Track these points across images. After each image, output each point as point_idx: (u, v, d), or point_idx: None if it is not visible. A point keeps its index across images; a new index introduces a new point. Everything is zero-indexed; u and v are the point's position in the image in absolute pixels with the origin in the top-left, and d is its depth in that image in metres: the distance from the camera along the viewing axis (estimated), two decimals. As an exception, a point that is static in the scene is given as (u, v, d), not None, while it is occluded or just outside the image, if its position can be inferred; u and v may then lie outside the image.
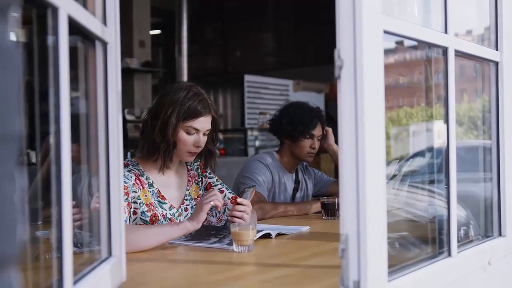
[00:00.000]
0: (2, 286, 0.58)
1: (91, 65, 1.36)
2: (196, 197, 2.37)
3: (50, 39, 1.02)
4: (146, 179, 2.23)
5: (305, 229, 2.36)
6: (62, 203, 1.01)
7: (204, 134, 2.24)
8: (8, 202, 0.58)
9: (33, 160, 2.41)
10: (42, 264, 1.30)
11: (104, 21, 1.36)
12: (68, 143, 1.03)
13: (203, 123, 2.22)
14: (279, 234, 2.18)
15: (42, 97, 1.05)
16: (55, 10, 1.00)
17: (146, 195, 2.19)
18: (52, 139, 1.02)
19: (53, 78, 1.01)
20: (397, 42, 1.49)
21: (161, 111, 2.18)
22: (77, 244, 1.35)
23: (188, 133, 2.20)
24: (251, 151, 7.35)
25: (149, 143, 2.20)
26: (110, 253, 1.37)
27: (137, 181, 2.17)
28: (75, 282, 1.09)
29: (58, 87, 1.01)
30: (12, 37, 0.60)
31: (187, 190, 2.36)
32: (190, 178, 2.39)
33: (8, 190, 0.58)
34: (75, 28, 1.12)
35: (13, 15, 0.60)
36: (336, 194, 3.00)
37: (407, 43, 1.56)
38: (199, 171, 2.43)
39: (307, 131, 3.00)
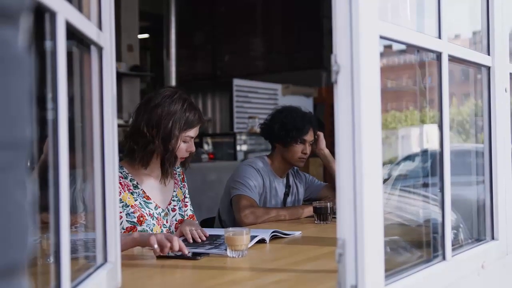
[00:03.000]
0: None
1: (86, 69, 1.35)
2: (181, 199, 2.46)
3: (47, 44, 1.01)
4: (131, 181, 2.28)
5: (298, 233, 2.36)
6: (60, 209, 1.01)
7: (194, 140, 2.35)
8: (19, 209, 0.57)
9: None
10: (36, 270, 1.29)
11: (100, 26, 1.35)
12: (66, 148, 1.02)
13: (197, 130, 2.34)
14: (273, 237, 2.19)
15: (38, 102, 1.04)
16: (53, 15, 0.99)
17: (129, 197, 2.23)
18: (49, 144, 1.01)
19: (51, 82, 1.01)
20: (385, 46, 1.49)
21: (160, 122, 2.23)
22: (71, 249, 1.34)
23: (185, 141, 2.30)
24: (240, 155, 7.34)
25: (149, 153, 2.25)
26: (105, 259, 1.36)
27: (119, 184, 2.19)
28: (72, 289, 1.08)
29: (56, 92, 1.00)
30: (23, 43, 0.60)
31: (174, 191, 2.43)
32: (176, 181, 2.47)
33: (19, 197, 0.58)
34: (71, 32, 1.11)
35: (24, 21, 0.60)
36: (327, 198, 3.00)
37: (395, 47, 1.57)
38: (180, 178, 2.51)
39: (299, 136, 3.00)
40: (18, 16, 0.58)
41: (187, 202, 2.52)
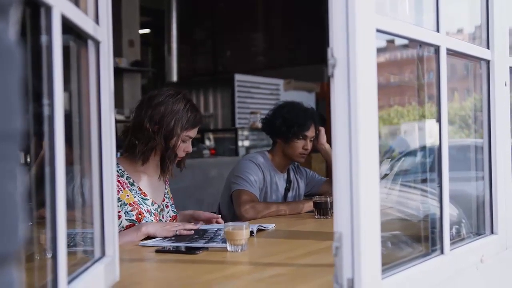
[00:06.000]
0: (4, 283, 0.58)
1: (83, 64, 1.35)
2: (171, 197, 2.51)
3: (43, 38, 1.01)
4: (127, 178, 2.31)
5: (271, 226, 2.38)
6: (56, 204, 1.01)
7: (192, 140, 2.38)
8: (10, 200, 0.58)
9: (22, 161, 2.40)
10: (33, 265, 1.29)
11: (97, 20, 1.35)
12: (62, 144, 1.02)
13: (196, 131, 2.38)
14: (259, 230, 2.24)
15: (34, 97, 1.04)
16: (48, 9, 0.99)
17: (128, 195, 2.27)
18: (45, 140, 1.01)
19: (46, 77, 1.01)
20: (388, 41, 1.49)
21: (163, 119, 2.26)
22: (69, 244, 1.34)
23: (183, 141, 2.33)
24: (242, 151, 7.34)
25: (150, 150, 2.28)
26: (103, 253, 1.37)
27: (117, 182, 2.21)
28: (69, 282, 1.09)
29: (52, 87, 1.01)
30: (13, 36, 0.60)
31: (166, 189, 2.48)
32: (166, 180, 2.50)
33: (11, 188, 0.58)
34: (67, 27, 1.11)
35: (14, 14, 0.60)
36: (328, 193, 3.00)
37: (398, 42, 1.56)
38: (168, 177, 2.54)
39: (300, 132, 3.00)
40: (8, 9, 0.59)
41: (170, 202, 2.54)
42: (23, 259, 1.20)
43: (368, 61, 1.20)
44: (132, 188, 2.29)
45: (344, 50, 1.17)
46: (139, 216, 2.25)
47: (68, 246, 1.14)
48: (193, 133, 2.35)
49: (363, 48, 1.18)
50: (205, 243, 1.98)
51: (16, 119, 0.59)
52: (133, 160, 2.32)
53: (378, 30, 1.26)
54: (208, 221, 2.42)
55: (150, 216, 2.29)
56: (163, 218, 2.38)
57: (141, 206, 2.27)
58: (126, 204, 2.24)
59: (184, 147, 2.34)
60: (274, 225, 2.42)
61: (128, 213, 2.23)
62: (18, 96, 0.60)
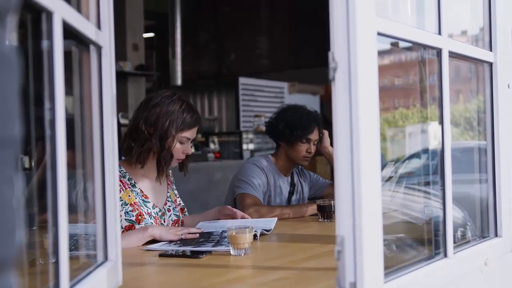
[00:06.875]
0: None
1: (85, 69, 1.35)
2: (174, 200, 2.50)
3: (44, 43, 1.02)
4: (129, 180, 2.32)
5: (274, 220, 2.41)
6: (58, 208, 1.01)
7: (191, 142, 2.38)
8: (7, 206, 0.58)
9: (26, 165, 2.42)
10: (37, 269, 1.30)
11: (98, 25, 1.36)
12: (64, 148, 1.02)
13: (194, 132, 2.37)
14: (263, 234, 2.23)
15: (36, 101, 1.05)
16: (49, 14, 1.00)
17: (129, 195, 2.28)
18: (47, 144, 1.02)
19: (48, 82, 1.01)
20: (392, 44, 1.49)
21: (158, 121, 2.27)
22: (71, 248, 1.35)
23: (181, 142, 2.33)
24: (246, 154, 7.34)
25: (146, 151, 2.29)
26: (106, 258, 1.37)
27: (119, 182, 2.22)
28: (71, 287, 1.09)
29: (53, 92, 1.01)
30: (11, 41, 0.60)
31: (168, 192, 2.47)
32: (169, 183, 2.51)
33: (8, 194, 0.58)
34: (69, 32, 1.12)
35: (11, 19, 0.61)
36: (332, 196, 3.00)
37: (402, 44, 1.56)
38: (172, 179, 2.56)
39: (304, 135, 3.00)
40: (6, 15, 0.59)
41: (180, 200, 2.55)
42: (25, 264, 1.21)
43: (369, 64, 1.20)
44: (133, 189, 2.30)
45: (345, 53, 1.17)
46: (139, 217, 2.25)
47: (70, 249, 1.14)
48: (190, 134, 2.34)
49: (364, 51, 1.18)
50: (212, 246, 1.98)
51: (14, 125, 0.59)
52: (133, 163, 2.32)
53: (379, 33, 1.26)
54: (233, 217, 2.46)
55: (150, 218, 2.29)
56: (164, 222, 2.37)
57: (141, 207, 2.28)
58: (127, 204, 2.24)
59: (182, 149, 2.33)
60: (276, 219, 2.44)
61: (128, 213, 2.23)
62: (16, 102, 0.60)
